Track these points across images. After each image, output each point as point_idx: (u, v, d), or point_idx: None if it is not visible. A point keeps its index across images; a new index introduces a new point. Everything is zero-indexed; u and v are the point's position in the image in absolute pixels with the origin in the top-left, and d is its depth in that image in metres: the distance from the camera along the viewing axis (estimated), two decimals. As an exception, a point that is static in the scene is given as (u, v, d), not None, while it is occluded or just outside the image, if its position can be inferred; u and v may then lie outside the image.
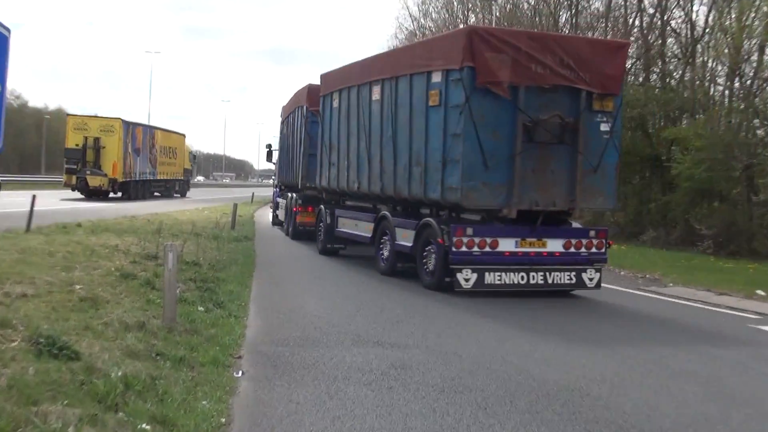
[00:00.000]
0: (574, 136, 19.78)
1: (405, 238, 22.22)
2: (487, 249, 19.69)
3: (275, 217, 41.81)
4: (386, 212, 23.51)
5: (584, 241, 20.50)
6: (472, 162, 19.11)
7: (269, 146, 42.93)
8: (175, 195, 79.90)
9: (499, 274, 19.74)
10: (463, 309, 18.16)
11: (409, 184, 21.50)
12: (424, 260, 21.28)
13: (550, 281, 20.12)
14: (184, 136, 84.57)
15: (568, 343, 14.78)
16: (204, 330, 13.66)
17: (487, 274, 19.67)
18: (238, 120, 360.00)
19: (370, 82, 23.69)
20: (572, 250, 20.41)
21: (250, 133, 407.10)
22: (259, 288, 19.87)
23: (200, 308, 15.50)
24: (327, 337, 14.40)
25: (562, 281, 20.27)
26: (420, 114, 20.98)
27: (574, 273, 20.34)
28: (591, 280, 20.47)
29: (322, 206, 28.67)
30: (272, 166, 43.91)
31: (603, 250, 20.62)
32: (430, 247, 21.01)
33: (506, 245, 19.87)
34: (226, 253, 25.64)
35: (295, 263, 25.76)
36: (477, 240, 19.64)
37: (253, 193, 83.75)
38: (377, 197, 23.78)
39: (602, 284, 21.13)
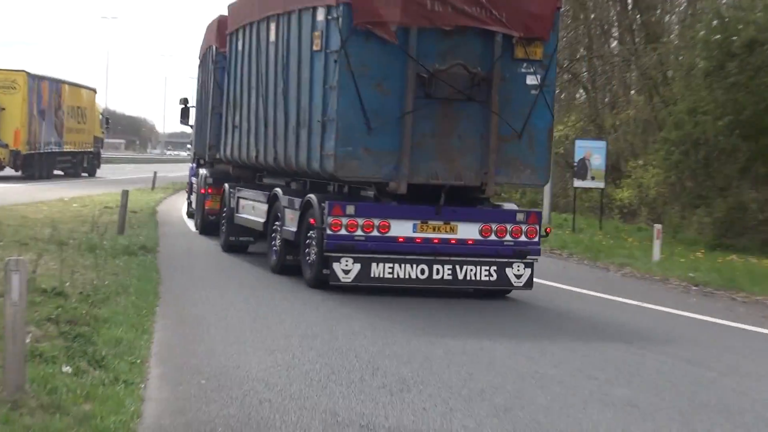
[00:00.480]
0: (487, 91, 16.68)
1: (292, 221, 18.49)
2: (375, 233, 16.62)
3: (191, 205, 30.43)
4: (278, 190, 19.44)
5: (509, 227, 17.15)
6: (350, 122, 16.37)
7: (184, 102, 31.59)
8: (82, 174, 63.18)
9: (390, 265, 16.66)
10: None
11: (297, 151, 18.14)
12: (307, 249, 17.81)
13: (461, 277, 16.91)
14: (94, 91, 66.24)
15: None
16: (72, 406, 8.68)
17: (374, 264, 16.61)
18: (128, 51, 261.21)
19: (267, 17, 19.86)
20: (492, 237, 17.08)
21: (151, 75, 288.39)
22: (166, 333, 12.95)
23: (66, 368, 9.94)
24: (284, 417, 9.04)
25: (478, 277, 16.99)
26: (306, 61, 17.74)
27: (494, 268, 17.03)
28: (519, 277, 17.17)
29: (226, 185, 23.75)
30: (189, 131, 33.42)
31: (535, 238, 17.28)
32: (312, 232, 17.50)
33: (401, 229, 16.73)
34: (110, 274, 16.71)
35: (228, 283, 18.07)
36: (360, 221, 16.56)
37: (155, 173, 54.69)
38: (280, 170, 19.98)
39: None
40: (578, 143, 34.15)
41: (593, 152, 32.84)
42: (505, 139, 16.87)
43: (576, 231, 33.23)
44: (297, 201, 18.12)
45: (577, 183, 33.68)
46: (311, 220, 17.07)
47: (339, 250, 16.52)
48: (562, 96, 45.58)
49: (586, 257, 26.22)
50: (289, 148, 18.38)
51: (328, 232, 16.47)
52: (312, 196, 17.35)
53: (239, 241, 22.85)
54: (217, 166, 25.30)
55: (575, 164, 33.30)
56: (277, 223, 19.26)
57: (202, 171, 26.56)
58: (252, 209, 21.11)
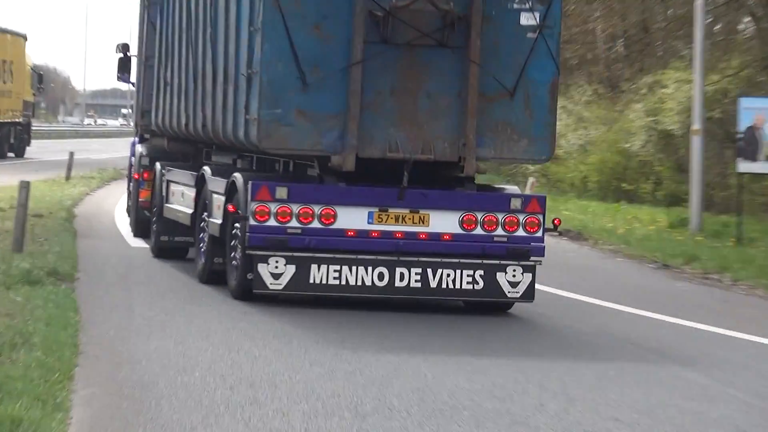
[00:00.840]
0: (466, 34, 12.91)
1: (218, 211, 14.47)
2: (316, 225, 12.91)
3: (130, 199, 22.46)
4: (206, 168, 15.36)
5: (501, 217, 13.20)
6: (279, 76, 12.78)
7: (124, 49, 22.73)
8: (8, 154, 48.27)
9: (336, 267, 12.93)
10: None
11: (224, 115, 14.17)
12: (232, 248, 13.84)
13: (434, 284, 13.08)
14: (24, 38, 50.63)
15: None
16: None
17: (314, 267, 12.89)
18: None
19: None
20: (478, 231, 13.17)
21: (66, 9, 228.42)
22: (91, 410, 8.35)
23: None
24: None
25: (459, 285, 13.12)
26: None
27: (481, 272, 13.14)
28: (514, 285, 13.23)
29: (157, 165, 18.66)
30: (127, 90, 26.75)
31: (538, 232, 13.32)
32: (238, 224, 13.60)
33: (351, 220, 13.00)
34: (2, 316, 11.22)
35: (190, 319, 12.40)
36: (296, 208, 12.84)
37: (71, 155, 36.71)
38: (209, 141, 16.04)
39: None
40: (743, 103, 22.75)
41: (768, 117, 21.90)
42: (491, 98, 13.06)
43: (744, 242, 22.40)
44: (223, 183, 14.06)
45: (744, 166, 22.54)
46: (230, 207, 13.24)
47: (266, 246, 12.79)
48: (716, 29, 33.71)
49: (762, 285, 17.51)
50: (217, 112, 14.31)
51: (252, 222, 12.77)
52: (237, 175, 13.53)
53: (173, 242, 17.54)
54: (154, 141, 19.78)
55: (740, 136, 22.48)
56: (204, 214, 15.04)
57: (139, 148, 20.69)
58: (181, 197, 16.77)
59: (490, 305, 13.56)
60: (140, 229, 19.64)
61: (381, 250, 12.92)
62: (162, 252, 17.57)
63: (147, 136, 20.26)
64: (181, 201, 16.58)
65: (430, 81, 13.00)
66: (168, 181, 17.49)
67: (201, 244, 15.12)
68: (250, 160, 15.18)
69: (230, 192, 13.62)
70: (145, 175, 19.24)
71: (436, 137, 12.99)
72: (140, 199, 19.32)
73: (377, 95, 12.88)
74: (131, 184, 21.38)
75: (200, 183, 15.28)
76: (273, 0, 12.59)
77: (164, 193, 17.51)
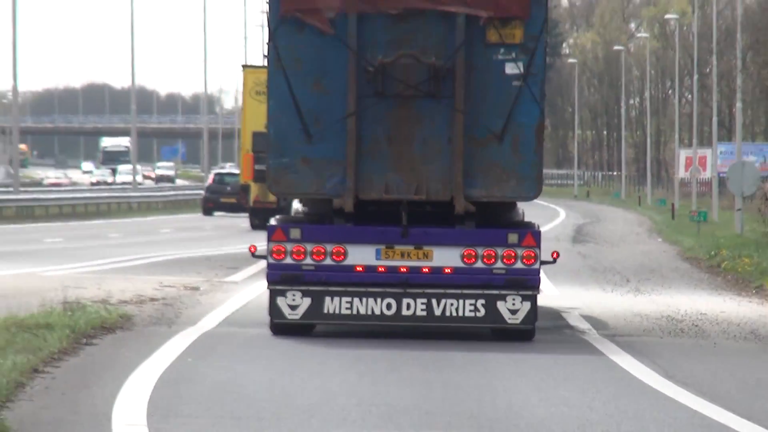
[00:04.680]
0: (450, 85, 14.29)
1: None
2: (328, 261, 14.37)
3: None
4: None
5: (500, 251, 14.38)
6: (285, 128, 14.44)
7: None
8: None
9: (348, 299, 14.34)
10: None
11: None
12: None
13: (438, 312, 14.32)
14: None
15: None
16: None
17: (327, 299, 14.34)
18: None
19: None
20: (479, 264, 14.38)
21: None
22: None
23: None
24: None
25: (462, 313, 14.33)
26: None
27: (482, 301, 14.33)
28: (513, 313, 14.33)
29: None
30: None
31: (534, 265, 14.45)
32: None
33: (360, 256, 14.39)
34: None
35: None
36: (309, 247, 14.34)
37: None
38: None
39: None
40: None
41: None
42: (480, 142, 14.35)
43: None
44: None
45: None
46: (251, 248, 15.40)
47: (283, 281, 14.25)
48: None
49: None
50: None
51: (270, 260, 14.31)
52: (272, 219, 15.08)
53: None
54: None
55: None
56: None
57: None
58: None
59: (503, 333, 14.57)
60: None
61: (388, 283, 14.22)
62: None
63: None
64: None
65: (423, 128, 14.29)
66: None
67: None
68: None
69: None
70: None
71: (429, 179, 14.27)
72: None
73: (375, 142, 14.26)
74: None
75: None
76: (276, 62, 14.16)
77: None
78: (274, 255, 14.24)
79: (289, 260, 14.26)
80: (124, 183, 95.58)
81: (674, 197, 72.43)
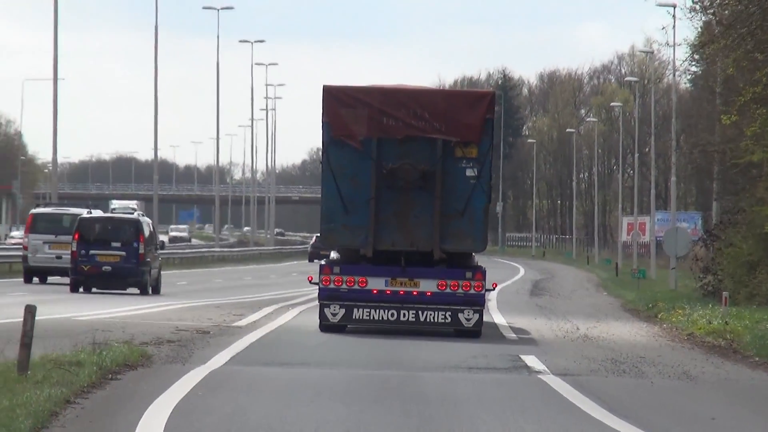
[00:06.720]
0: (434, 182, 19.63)
1: None
2: (356, 287, 19.86)
3: None
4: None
5: (460, 282, 19.81)
6: (331, 206, 19.91)
7: None
8: None
9: (367, 310, 19.91)
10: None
11: None
12: None
13: (422, 319, 19.91)
14: None
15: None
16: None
17: (355, 309, 19.88)
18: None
19: None
20: (447, 290, 19.80)
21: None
22: None
23: None
24: None
25: (436, 320, 19.91)
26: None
27: (449, 313, 19.84)
28: (468, 320, 19.80)
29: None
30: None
31: (481, 291, 19.99)
32: None
33: (375, 284, 19.92)
34: None
35: None
36: (345, 278, 19.90)
37: None
38: None
39: None
40: None
41: None
42: (450, 216, 19.58)
43: None
44: None
45: None
46: (309, 278, 21.48)
47: (329, 299, 19.83)
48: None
49: None
50: None
51: (321, 286, 19.91)
52: (322, 261, 20.65)
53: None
54: None
55: None
56: None
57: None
58: None
59: (461, 332, 19.75)
60: None
61: (392, 301, 19.65)
62: None
63: None
64: None
65: (416, 208, 19.67)
66: None
67: None
68: None
69: None
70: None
71: (419, 238, 19.71)
72: None
73: (386, 216, 19.61)
74: None
75: None
76: (327, 165, 19.75)
77: None
78: (323, 282, 19.73)
79: (332, 285, 19.74)
80: None
81: (618, 257, 72.55)
